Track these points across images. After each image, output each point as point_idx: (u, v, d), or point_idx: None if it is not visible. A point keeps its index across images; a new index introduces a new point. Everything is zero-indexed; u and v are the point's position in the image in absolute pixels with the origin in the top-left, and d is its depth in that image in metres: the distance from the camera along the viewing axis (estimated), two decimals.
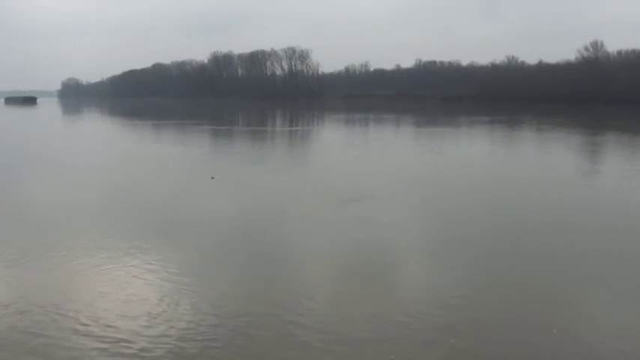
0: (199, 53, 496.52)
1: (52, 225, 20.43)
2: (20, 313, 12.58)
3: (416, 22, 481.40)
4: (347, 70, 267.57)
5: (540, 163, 38.21)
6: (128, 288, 14.03)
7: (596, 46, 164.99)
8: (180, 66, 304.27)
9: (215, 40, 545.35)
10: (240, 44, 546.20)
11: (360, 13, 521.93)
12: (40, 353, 10.91)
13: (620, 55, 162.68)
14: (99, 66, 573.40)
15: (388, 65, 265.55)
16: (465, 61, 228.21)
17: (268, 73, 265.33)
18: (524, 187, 28.42)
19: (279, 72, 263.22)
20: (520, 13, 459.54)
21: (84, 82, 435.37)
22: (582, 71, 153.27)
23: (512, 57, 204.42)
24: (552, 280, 14.50)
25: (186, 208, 23.70)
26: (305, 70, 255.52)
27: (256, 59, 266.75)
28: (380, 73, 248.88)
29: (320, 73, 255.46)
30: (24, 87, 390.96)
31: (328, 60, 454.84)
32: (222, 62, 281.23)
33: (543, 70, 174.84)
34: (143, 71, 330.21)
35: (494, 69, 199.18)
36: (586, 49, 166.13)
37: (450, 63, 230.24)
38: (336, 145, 53.42)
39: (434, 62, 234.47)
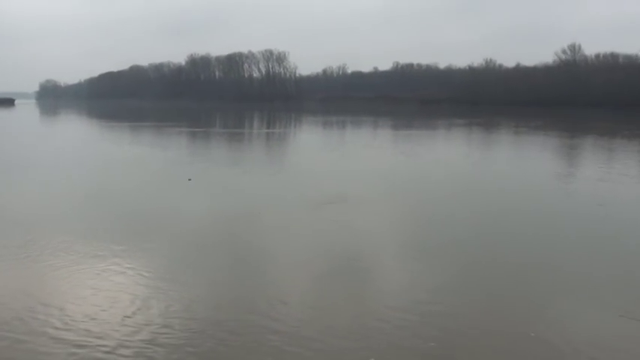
0: (177, 55, 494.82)
1: (24, 226, 20.11)
2: None
3: (394, 25, 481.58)
4: (324, 72, 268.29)
5: (516, 166, 38.28)
6: (99, 291, 13.77)
7: (574, 49, 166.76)
8: (158, 68, 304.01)
9: (192, 42, 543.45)
10: (218, 46, 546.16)
11: (338, 15, 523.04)
12: (6, 357, 10.67)
13: (598, 59, 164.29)
14: (77, 68, 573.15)
15: (366, 68, 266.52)
16: (442, 64, 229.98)
17: (246, 76, 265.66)
18: (499, 190, 28.51)
19: (256, 74, 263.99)
20: (498, 15, 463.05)
21: (62, 84, 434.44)
22: (560, 74, 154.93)
23: (490, 60, 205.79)
24: (529, 285, 14.42)
25: (162, 210, 23.48)
26: (282, 72, 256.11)
27: (234, 61, 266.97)
28: (358, 76, 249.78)
29: (297, 75, 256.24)
30: (1, 89, 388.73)
31: (306, 62, 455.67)
32: (199, 64, 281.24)
33: (521, 73, 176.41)
34: (120, 73, 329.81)
35: (471, 72, 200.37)
36: (564, 52, 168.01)
37: (427, 66, 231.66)
38: (313, 147, 53.45)
39: (411, 65, 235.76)
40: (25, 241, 18.01)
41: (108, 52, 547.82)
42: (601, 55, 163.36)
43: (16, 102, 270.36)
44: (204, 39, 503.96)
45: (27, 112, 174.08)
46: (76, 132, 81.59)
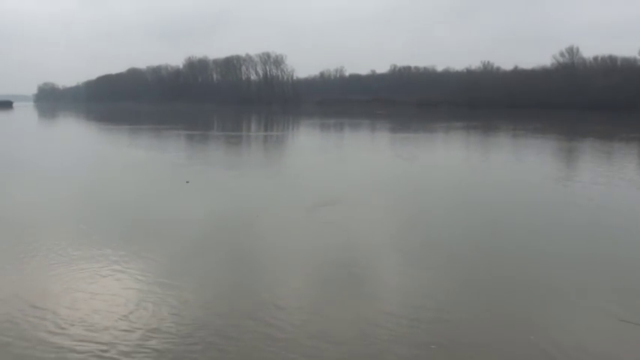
0: (175, 58, 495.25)
1: (23, 228, 20.10)
2: None
3: (391, 28, 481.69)
4: (322, 75, 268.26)
5: (514, 170, 38.15)
6: (94, 294, 13.74)
7: (572, 51, 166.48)
8: (156, 71, 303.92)
9: (190, 45, 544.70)
10: (216, 49, 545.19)
11: (335, 18, 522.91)
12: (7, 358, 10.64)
13: (596, 61, 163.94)
14: (75, 70, 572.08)
15: (363, 70, 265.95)
16: (440, 67, 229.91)
17: (243, 78, 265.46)
18: (496, 194, 28.43)
19: (254, 77, 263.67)
20: (496, 18, 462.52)
21: (60, 87, 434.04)
22: (558, 77, 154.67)
23: (488, 62, 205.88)
24: (528, 290, 14.38)
25: (160, 212, 23.52)
26: (280, 75, 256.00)
27: (231, 64, 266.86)
28: (355, 79, 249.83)
29: (295, 78, 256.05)
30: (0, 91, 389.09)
31: (303, 65, 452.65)
32: (197, 67, 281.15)
33: (519, 75, 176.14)
34: (118, 76, 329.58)
35: (469, 74, 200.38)
36: (562, 54, 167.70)
37: (425, 68, 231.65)
38: (310, 150, 53.45)
39: (409, 67, 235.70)
40: (19, 244, 17.99)
41: (106, 55, 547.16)
42: (599, 58, 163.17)
43: (14, 104, 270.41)
44: (202, 42, 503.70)
45: (25, 114, 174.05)
46: (74, 135, 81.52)
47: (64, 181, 32.28)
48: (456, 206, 24.79)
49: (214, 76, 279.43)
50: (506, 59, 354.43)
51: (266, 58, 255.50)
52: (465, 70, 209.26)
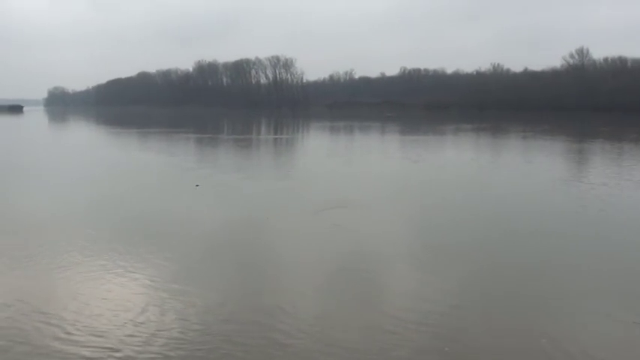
0: (184, 62, 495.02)
1: (35, 233, 20.20)
2: (1, 320, 12.39)
3: (401, 31, 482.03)
4: (331, 78, 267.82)
5: (522, 172, 37.98)
6: (112, 295, 13.86)
7: (582, 53, 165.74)
8: (165, 74, 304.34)
9: (200, 49, 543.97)
10: (225, 53, 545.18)
11: (345, 21, 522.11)
12: None
13: (606, 62, 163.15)
14: (85, 75, 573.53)
15: (373, 73, 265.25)
16: (450, 69, 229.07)
17: (253, 82, 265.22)
18: (505, 196, 28.43)
19: (263, 80, 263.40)
20: (505, 20, 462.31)
21: (70, 91, 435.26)
22: (568, 79, 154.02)
23: (498, 64, 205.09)
24: (540, 290, 14.39)
25: (171, 215, 23.60)
26: (289, 78, 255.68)
27: (241, 68, 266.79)
28: (365, 81, 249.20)
29: (304, 81, 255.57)
30: (10, 95, 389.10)
31: (313, 68, 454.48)
32: (206, 71, 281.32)
33: (529, 77, 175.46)
34: (128, 80, 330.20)
35: (479, 77, 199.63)
36: (571, 56, 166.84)
37: (434, 71, 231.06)
38: (319, 153, 53.44)
39: (419, 70, 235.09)
40: (26, 247, 18.09)
41: (115, 59, 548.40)
42: (609, 59, 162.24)
43: (24, 109, 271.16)
44: (212, 46, 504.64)
45: (35, 118, 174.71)
46: (84, 138, 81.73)
47: (71, 184, 32.39)
48: (465, 209, 24.75)
49: (224, 79, 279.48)
50: (516, 61, 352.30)
51: (275, 61, 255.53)
52: (474, 72, 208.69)
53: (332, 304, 13.52)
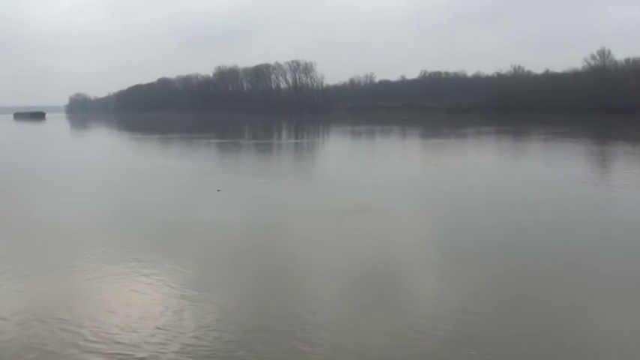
0: (204, 67, 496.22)
1: (57, 238, 20.38)
2: (21, 325, 12.53)
3: (421, 34, 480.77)
4: (352, 81, 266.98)
5: (543, 175, 37.77)
6: (132, 301, 13.95)
7: (604, 54, 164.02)
8: (186, 80, 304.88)
9: (220, 55, 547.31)
10: (245, 58, 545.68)
11: (365, 25, 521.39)
12: None
13: (628, 63, 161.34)
14: (106, 81, 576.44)
15: (393, 77, 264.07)
16: (470, 72, 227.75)
17: (273, 87, 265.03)
18: (526, 199, 28.16)
19: (283, 85, 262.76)
20: (526, 22, 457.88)
21: (91, 98, 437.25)
22: (589, 80, 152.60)
23: (519, 66, 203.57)
24: (564, 293, 14.35)
25: (192, 220, 23.72)
26: (309, 82, 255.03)
27: (261, 73, 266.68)
28: (385, 85, 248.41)
29: (324, 85, 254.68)
30: (33, 102, 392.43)
31: (333, 72, 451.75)
32: (227, 76, 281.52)
33: (550, 79, 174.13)
34: (149, 86, 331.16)
35: (500, 79, 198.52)
36: (593, 57, 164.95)
37: (455, 73, 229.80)
38: (340, 157, 53.47)
39: (439, 73, 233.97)
40: (55, 253, 18.23)
41: (136, 65, 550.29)
42: (631, 60, 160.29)
43: (46, 115, 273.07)
44: (232, 51, 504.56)
45: (58, 125, 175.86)
46: (106, 144, 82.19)
47: (96, 190, 32.63)
48: (485, 213, 24.71)
49: (244, 84, 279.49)
50: (537, 63, 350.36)
51: (295, 65, 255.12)
52: (495, 75, 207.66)
53: (353, 310, 13.52)
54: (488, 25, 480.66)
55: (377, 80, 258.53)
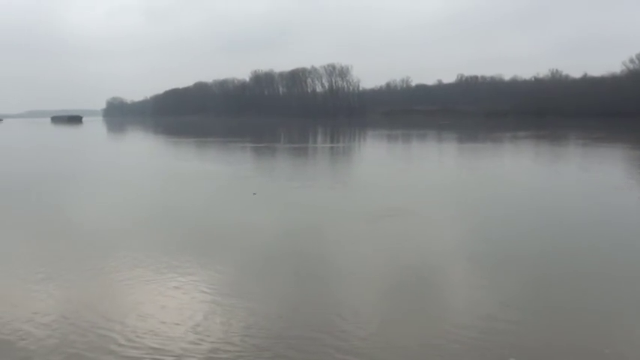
0: (240, 72, 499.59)
1: (89, 240, 20.42)
2: (51, 329, 12.45)
3: (458, 37, 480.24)
4: (388, 85, 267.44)
5: (581, 181, 37.37)
6: (164, 305, 13.84)
7: None
8: (222, 84, 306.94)
9: (256, 59, 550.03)
10: (281, 62, 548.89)
11: (401, 28, 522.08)
12: None
13: None
14: (142, 85, 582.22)
15: (430, 81, 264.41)
16: (507, 76, 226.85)
17: (309, 91, 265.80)
18: (562, 206, 27.70)
19: (319, 89, 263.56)
20: (564, 26, 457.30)
21: (128, 101, 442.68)
22: (628, 84, 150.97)
23: (556, 70, 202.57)
24: (599, 299, 14.06)
25: (227, 224, 23.73)
26: (345, 86, 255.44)
27: (297, 77, 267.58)
28: (421, 89, 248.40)
29: (360, 89, 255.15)
30: (71, 106, 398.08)
31: (369, 76, 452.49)
32: (263, 80, 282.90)
33: (588, 83, 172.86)
34: (185, 90, 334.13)
35: (537, 83, 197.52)
36: (631, 61, 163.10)
37: (492, 78, 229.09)
38: (376, 161, 53.34)
39: (476, 77, 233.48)
40: (90, 256, 18.24)
41: (173, 69, 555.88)
42: None
43: (83, 119, 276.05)
44: (268, 55, 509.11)
45: (94, 128, 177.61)
46: (143, 148, 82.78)
47: (132, 193, 32.79)
48: (522, 220, 24.35)
49: (280, 88, 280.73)
50: (575, 67, 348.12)
51: (331, 69, 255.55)
52: (532, 79, 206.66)
53: (387, 317, 13.26)
54: (526, 28, 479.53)
55: (413, 84, 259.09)
